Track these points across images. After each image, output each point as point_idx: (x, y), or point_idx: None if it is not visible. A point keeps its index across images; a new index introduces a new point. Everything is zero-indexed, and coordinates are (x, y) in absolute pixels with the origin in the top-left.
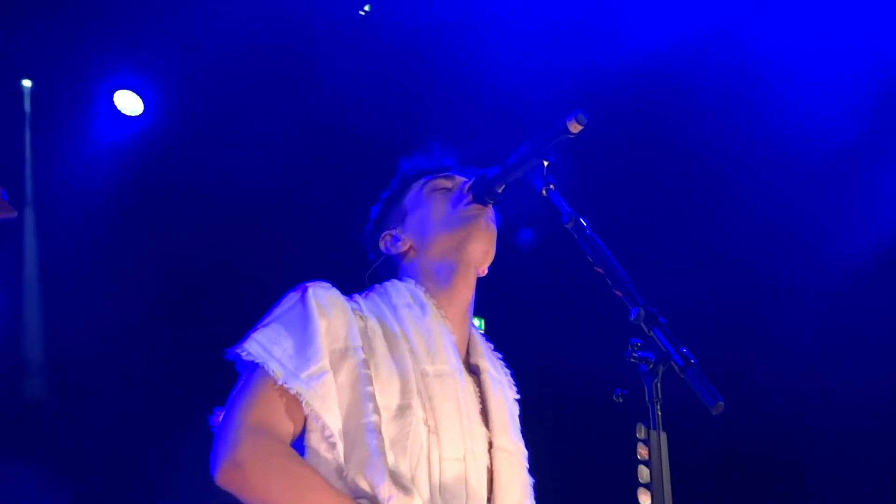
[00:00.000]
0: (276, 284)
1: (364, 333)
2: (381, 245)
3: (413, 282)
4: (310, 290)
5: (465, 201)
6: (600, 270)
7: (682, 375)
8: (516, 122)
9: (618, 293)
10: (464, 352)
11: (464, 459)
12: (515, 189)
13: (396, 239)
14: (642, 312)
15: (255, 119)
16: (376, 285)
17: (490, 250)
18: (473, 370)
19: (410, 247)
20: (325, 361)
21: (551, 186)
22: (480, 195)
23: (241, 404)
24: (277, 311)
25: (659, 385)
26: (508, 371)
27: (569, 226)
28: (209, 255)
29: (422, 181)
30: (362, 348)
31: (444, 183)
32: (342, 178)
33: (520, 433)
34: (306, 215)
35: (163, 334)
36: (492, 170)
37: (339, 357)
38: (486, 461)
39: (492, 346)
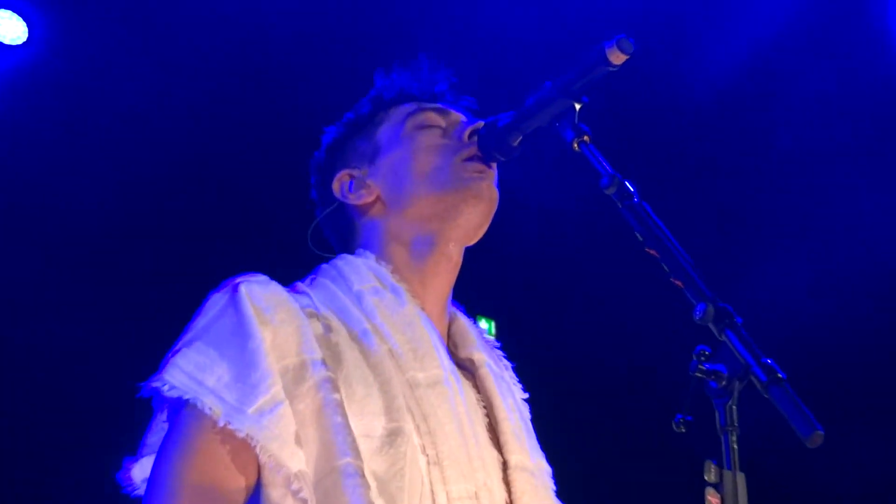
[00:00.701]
0: (195, 259)
1: (324, 340)
2: (336, 187)
3: (373, 256)
4: (242, 290)
5: (464, 152)
6: (653, 252)
7: (766, 395)
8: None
9: (677, 283)
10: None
11: (476, 497)
12: (534, 143)
13: (357, 184)
14: (711, 310)
15: (170, 51)
16: (323, 266)
17: (485, 225)
18: (464, 366)
19: (377, 198)
20: (276, 388)
21: (586, 138)
22: (488, 149)
23: (173, 459)
24: (201, 322)
25: (735, 409)
26: (510, 364)
27: (610, 191)
28: (108, 217)
29: (404, 110)
30: (324, 361)
31: (435, 118)
32: (281, 123)
33: (538, 445)
34: (235, 172)
35: (42, 310)
36: (504, 116)
37: (294, 378)
38: (504, 494)
39: (493, 342)
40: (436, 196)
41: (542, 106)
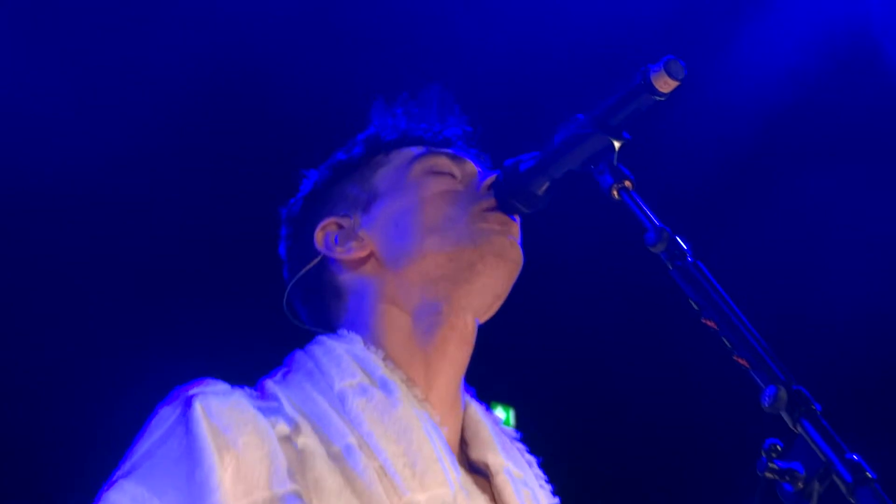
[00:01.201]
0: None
1: (298, 465)
2: (319, 237)
3: (359, 339)
4: (197, 406)
5: (483, 202)
6: (711, 324)
7: (852, 499)
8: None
9: (741, 361)
10: (457, 444)
11: None
12: (564, 190)
13: (346, 235)
14: (783, 394)
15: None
16: (297, 354)
17: (506, 292)
18: (478, 469)
19: (371, 254)
20: None
21: (628, 184)
22: (508, 199)
23: None
24: (144, 445)
25: None
26: (534, 460)
27: (657, 248)
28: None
29: (409, 153)
30: (298, 495)
31: (447, 164)
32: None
33: None
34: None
35: None
36: (527, 157)
37: None
38: None
39: (512, 433)
40: (447, 253)
41: (574, 145)
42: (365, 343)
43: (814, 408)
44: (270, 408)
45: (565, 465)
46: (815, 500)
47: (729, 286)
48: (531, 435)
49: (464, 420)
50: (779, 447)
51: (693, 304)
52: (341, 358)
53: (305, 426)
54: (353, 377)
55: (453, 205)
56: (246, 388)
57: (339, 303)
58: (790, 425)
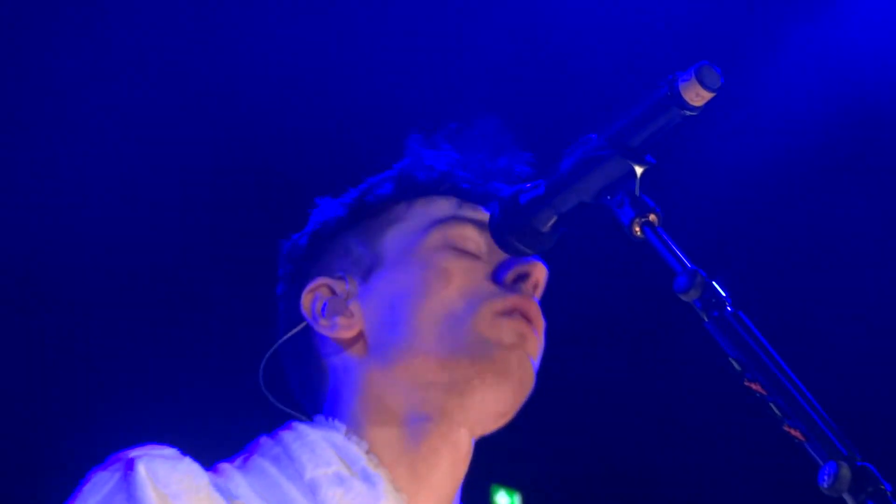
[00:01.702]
0: None
1: None
2: (306, 302)
3: (342, 428)
4: (140, 470)
5: (501, 301)
6: (756, 387)
7: None
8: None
9: (793, 433)
10: None
11: None
12: (576, 226)
13: (335, 305)
14: (846, 473)
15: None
16: (262, 439)
17: (511, 413)
18: None
19: (359, 335)
20: None
21: (652, 218)
22: (505, 238)
23: None
24: None
25: None
26: None
27: (689, 296)
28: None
29: (435, 211)
30: None
31: (474, 239)
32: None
33: None
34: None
35: None
36: (529, 186)
37: None
38: None
39: None
40: (440, 360)
41: (587, 171)
42: (347, 433)
43: (883, 488)
44: (227, 486)
45: None
46: None
47: (777, 341)
48: None
49: None
50: None
51: (734, 363)
52: (316, 444)
53: None
54: (328, 465)
55: (462, 299)
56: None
57: (321, 381)
58: None
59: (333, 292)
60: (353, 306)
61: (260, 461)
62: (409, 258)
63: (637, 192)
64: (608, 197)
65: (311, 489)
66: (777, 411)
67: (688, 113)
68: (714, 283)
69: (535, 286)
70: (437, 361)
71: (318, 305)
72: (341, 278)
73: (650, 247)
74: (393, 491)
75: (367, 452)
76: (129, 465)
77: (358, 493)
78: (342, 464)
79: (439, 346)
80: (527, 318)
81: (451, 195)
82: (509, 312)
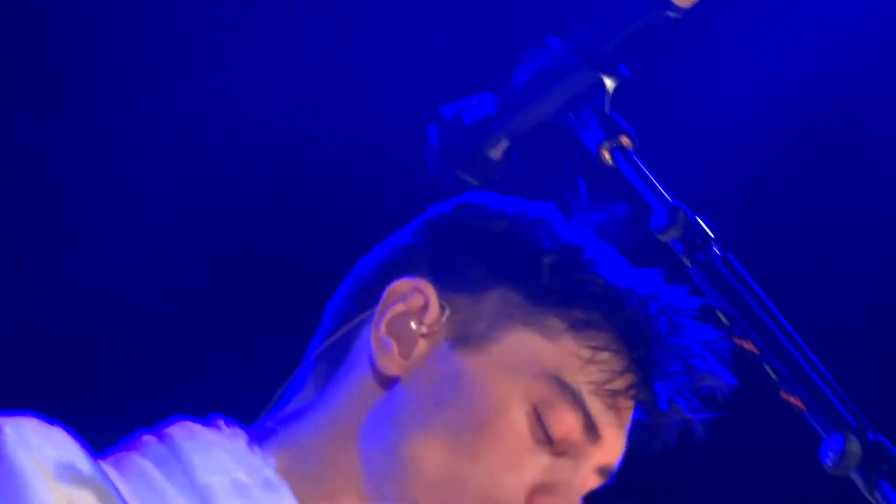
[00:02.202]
0: None
1: None
2: (390, 293)
3: (243, 438)
4: (8, 433)
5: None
6: (748, 346)
7: None
8: None
9: (791, 400)
10: None
11: None
12: (533, 153)
13: (407, 328)
14: (854, 448)
15: None
16: (145, 438)
17: None
18: None
19: (392, 381)
20: None
21: (625, 141)
22: (446, 166)
23: None
24: None
25: None
26: None
27: (668, 236)
28: None
29: (578, 362)
30: None
31: (572, 426)
32: None
33: None
34: None
35: None
36: (475, 103)
37: None
38: None
39: None
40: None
41: (546, 83)
42: (250, 444)
43: None
44: (95, 469)
45: None
46: None
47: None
48: None
49: None
50: None
51: (721, 316)
52: (211, 446)
53: None
54: (225, 471)
55: (493, 474)
56: None
57: (323, 375)
58: (864, 491)
59: (423, 313)
60: (421, 347)
61: (140, 462)
62: (503, 377)
63: (607, 111)
64: (571, 115)
65: (203, 498)
66: (772, 374)
67: (671, 15)
68: (698, 219)
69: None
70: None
71: (397, 310)
72: (443, 309)
73: (621, 178)
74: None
75: (279, 471)
76: None
77: (260, 501)
78: (243, 470)
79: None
80: None
81: (632, 362)
82: None
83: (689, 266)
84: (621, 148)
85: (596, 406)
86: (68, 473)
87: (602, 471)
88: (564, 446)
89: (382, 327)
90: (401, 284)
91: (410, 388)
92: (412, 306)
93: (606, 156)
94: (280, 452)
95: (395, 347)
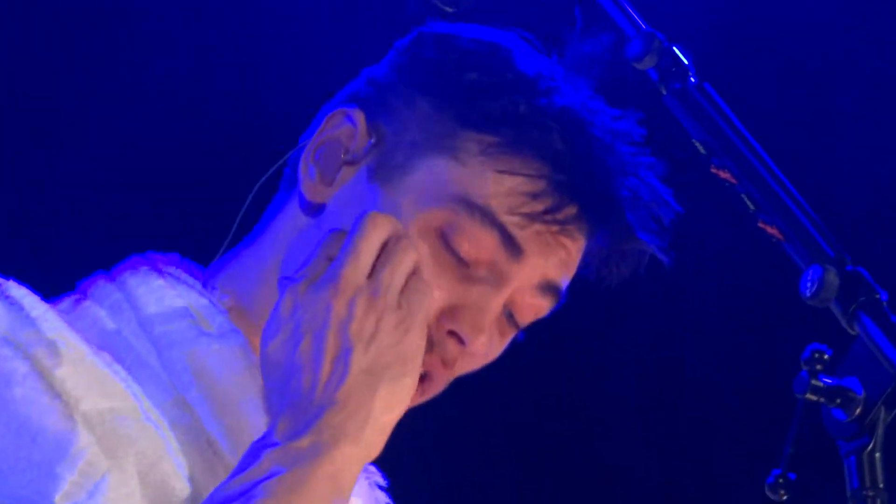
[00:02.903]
0: None
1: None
2: (328, 121)
3: (196, 283)
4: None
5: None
6: (724, 175)
7: None
8: None
9: (769, 230)
10: None
11: None
12: None
13: (332, 158)
14: (832, 278)
15: None
16: (99, 281)
17: None
18: None
19: (319, 208)
20: (91, 450)
21: None
22: None
23: None
24: None
25: (878, 457)
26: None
27: (645, 64)
28: None
29: (518, 200)
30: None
31: (489, 244)
32: None
33: None
34: None
35: None
36: None
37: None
38: None
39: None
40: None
41: None
42: (204, 288)
43: (878, 297)
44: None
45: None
46: (879, 433)
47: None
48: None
49: None
50: (826, 356)
51: (698, 145)
52: (164, 291)
53: (101, 354)
54: (178, 318)
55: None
56: None
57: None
58: (843, 323)
59: (350, 142)
60: (345, 174)
61: (94, 310)
62: (406, 205)
63: None
64: None
65: (157, 347)
66: (750, 204)
67: None
68: (675, 48)
69: (468, 355)
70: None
71: (326, 138)
72: (370, 134)
73: (596, 5)
74: (252, 353)
75: (229, 310)
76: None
77: (215, 350)
78: (198, 316)
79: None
80: (422, 378)
81: (554, 180)
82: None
83: (665, 94)
84: None
85: (514, 223)
86: (21, 323)
87: (545, 288)
88: (483, 269)
89: (310, 155)
90: (335, 114)
91: (328, 216)
92: (342, 134)
93: None
94: (230, 291)
95: (317, 174)
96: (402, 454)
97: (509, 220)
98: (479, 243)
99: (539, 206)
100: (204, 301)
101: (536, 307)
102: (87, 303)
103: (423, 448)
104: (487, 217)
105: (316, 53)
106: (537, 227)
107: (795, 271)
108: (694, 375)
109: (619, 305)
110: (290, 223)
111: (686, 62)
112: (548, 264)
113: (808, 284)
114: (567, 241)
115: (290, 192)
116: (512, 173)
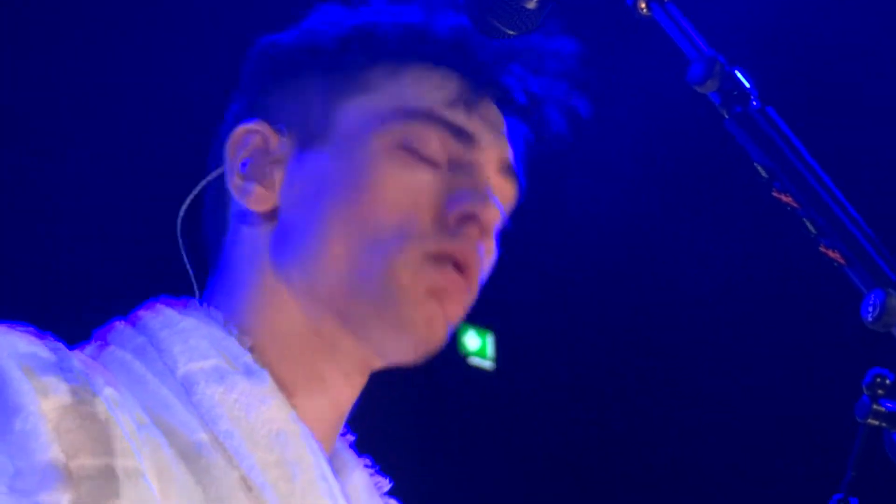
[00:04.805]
0: None
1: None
2: (231, 143)
3: (221, 315)
4: None
5: (435, 243)
6: (787, 199)
7: None
8: None
9: (831, 254)
10: None
11: None
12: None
13: (260, 163)
14: (894, 302)
15: None
16: (118, 325)
17: (414, 361)
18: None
19: (271, 212)
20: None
21: None
22: (482, 14)
23: None
24: None
25: None
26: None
27: (707, 88)
28: None
29: (409, 102)
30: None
31: (443, 144)
32: None
33: None
34: None
35: None
36: None
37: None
38: None
39: (367, 464)
40: (341, 286)
41: None
42: (226, 323)
43: None
44: (67, 373)
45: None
46: None
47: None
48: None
49: (334, 463)
50: (888, 381)
51: (760, 169)
52: (189, 332)
53: (135, 412)
54: (204, 358)
55: (392, 225)
56: None
57: (217, 250)
58: None
59: (266, 146)
60: (277, 175)
61: (120, 354)
62: (357, 145)
63: None
64: None
65: (185, 387)
66: (812, 228)
67: None
68: (736, 71)
69: (485, 230)
70: (337, 284)
71: (242, 156)
72: (280, 132)
73: (658, 28)
74: (279, 391)
75: (253, 349)
76: None
77: (242, 391)
78: (222, 357)
79: (346, 269)
80: (460, 268)
81: (457, 71)
82: (439, 259)
83: (727, 118)
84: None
85: (456, 115)
86: (61, 385)
87: (505, 170)
88: (454, 164)
89: (235, 178)
90: (236, 134)
91: (291, 213)
92: (255, 144)
93: (642, 5)
94: (247, 331)
95: (255, 187)
96: (403, 454)
97: (451, 114)
98: (437, 141)
99: (455, 93)
100: (227, 342)
101: (504, 193)
102: (115, 349)
103: (428, 449)
104: (429, 117)
105: None
106: (475, 110)
107: (857, 296)
108: (757, 401)
109: (686, 328)
110: (256, 243)
111: (748, 86)
112: (498, 143)
113: (870, 309)
114: (497, 119)
115: (233, 227)
116: (420, 79)
